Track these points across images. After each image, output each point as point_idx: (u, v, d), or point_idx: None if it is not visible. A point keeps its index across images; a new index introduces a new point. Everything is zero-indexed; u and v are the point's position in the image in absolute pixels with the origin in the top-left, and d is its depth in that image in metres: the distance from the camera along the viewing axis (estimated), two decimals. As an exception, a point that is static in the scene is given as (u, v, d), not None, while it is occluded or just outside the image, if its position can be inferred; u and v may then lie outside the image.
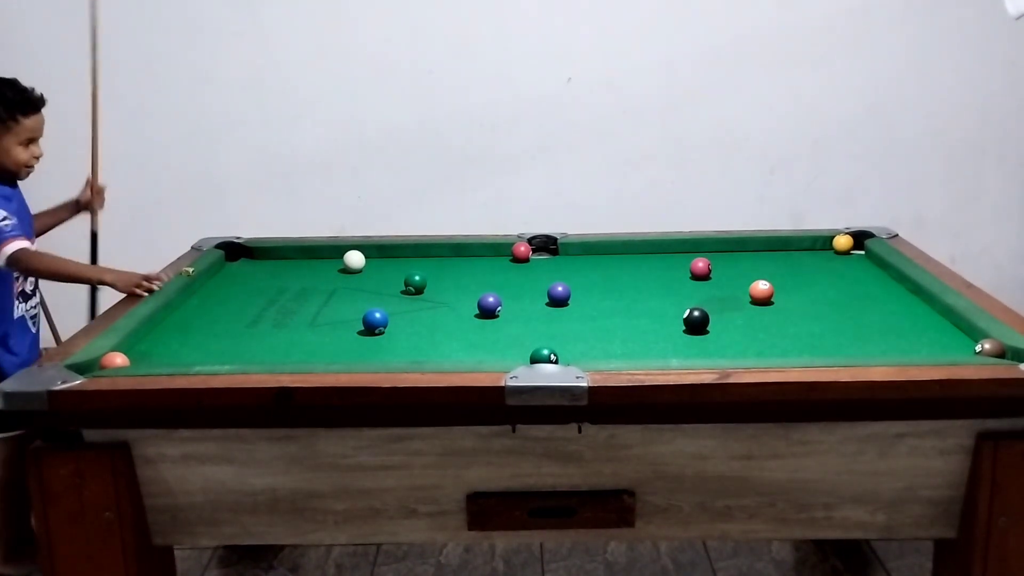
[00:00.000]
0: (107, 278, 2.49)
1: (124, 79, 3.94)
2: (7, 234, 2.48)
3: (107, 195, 2.93)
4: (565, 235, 2.91)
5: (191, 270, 2.57)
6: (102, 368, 1.92)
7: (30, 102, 2.54)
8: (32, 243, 2.59)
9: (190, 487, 1.88)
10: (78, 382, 1.81)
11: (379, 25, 3.90)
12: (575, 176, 4.04)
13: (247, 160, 4.03)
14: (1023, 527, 1.82)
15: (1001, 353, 1.89)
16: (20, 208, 2.62)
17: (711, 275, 2.58)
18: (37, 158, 2.59)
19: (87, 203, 2.91)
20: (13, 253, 2.46)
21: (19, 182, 2.64)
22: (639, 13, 3.92)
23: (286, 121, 3.99)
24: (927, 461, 1.84)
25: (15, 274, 2.57)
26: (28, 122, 2.54)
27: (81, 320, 2.33)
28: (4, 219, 2.49)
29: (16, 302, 2.61)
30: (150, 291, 2.38)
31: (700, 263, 2.60)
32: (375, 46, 3.91)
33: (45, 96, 2.58)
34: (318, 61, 3.92)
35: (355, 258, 2.73)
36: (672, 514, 1.90)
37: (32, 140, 2.57)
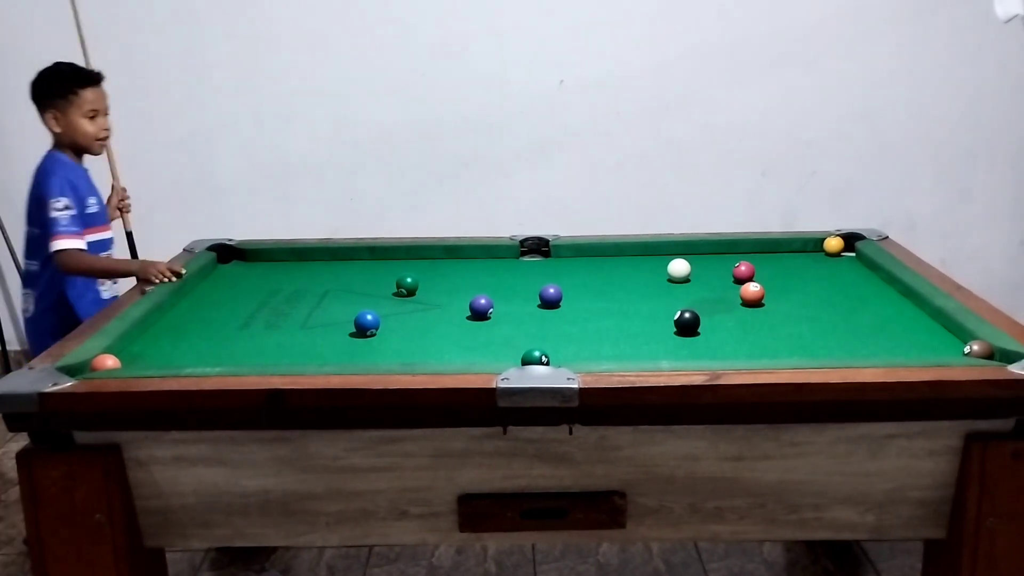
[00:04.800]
0: (133, 267, 2.67)
1: (116, 81, 3.93)
2: (60, 229, 2.63)
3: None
4: (557, 237, 2.92)
5: (182, 271, 2.57)
6: (93, 370, 1.92)
7: (84, 75, 2.74)
8: (82, 237, 2.69)
9: (182, 489, 1.88)
10: (69, 384, 1.81)
11: (372, 27, 3.90)
12: (567, 178, 4.05)
13: (239, 162, 4.02)
14: (1012, 528, 1.83)
15: (990, 354, 1.90)
16: (87, 190, 2.79)
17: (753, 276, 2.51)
18: (106, 130, 2.78)
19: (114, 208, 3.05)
20: (57, 252, 2.63)
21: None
22: (631, 16, 3.93)
23: (279, 123, 3.99)
24: (916, 462, 1.85)
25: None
26: (87, 94, 2.72)
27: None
28: (65, 208, 2.65)
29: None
30: (165, 279, 2.51)
31: (743, 267, 2.54)
32: (368, 48, 3.92)
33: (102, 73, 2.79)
34: (310, 63, 3.93)
35: (680, 266, 2.59)
36: (663, 515, 1.90)
37: (96, 113, 2.74)
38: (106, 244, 2.86)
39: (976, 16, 3.80)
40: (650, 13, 3.92)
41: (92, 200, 2.79)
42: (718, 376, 1.79)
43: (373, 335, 2.19)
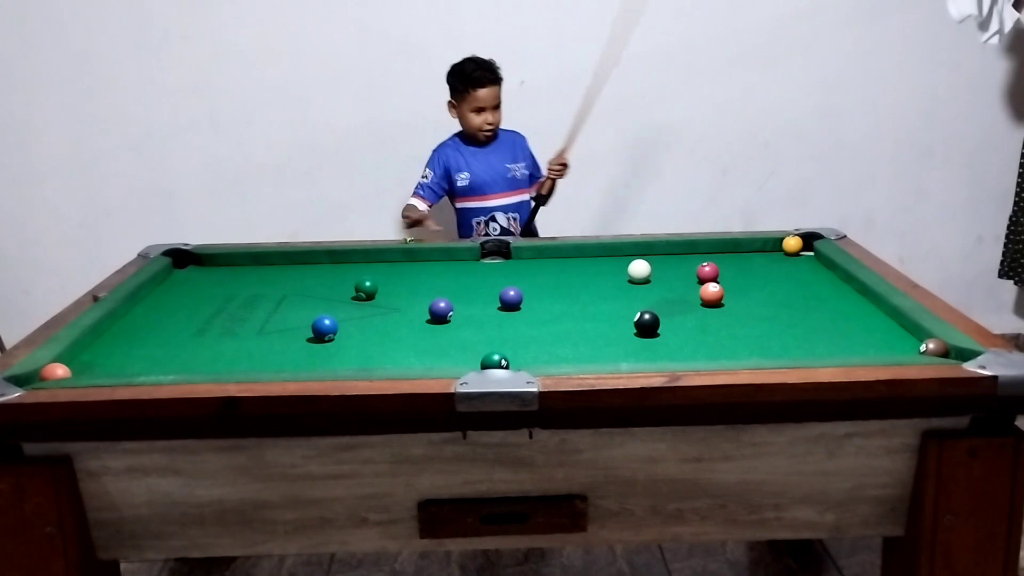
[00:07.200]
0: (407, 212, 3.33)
1: (69, 83, 3.87)
2: (415, 190, 3.33)
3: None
4: (517, 239, 2.91)
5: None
6: (43, 380, 1.88)
7: (477, 78, 3.24)
8: (423, 200, 3.32)
9: (135, 500, 1.84)
10: (17, 395, 1.77)
11: (329, 28, 3.87)
12: (528, 179, 4.03)
13: (195, 165, 3.97)
14: (968, 524, 1.84)
15: (945, 352, 1.92)
16: (461, 167, 3.35)
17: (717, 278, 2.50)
18: (490, 123, 3.31)
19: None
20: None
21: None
22: (591, 16, 3.92)
23: (235, 125, 3.94)
24: (874, 460, 1.86)
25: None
26: (478, 94, 3.25)
27: (24, 330, 2.28)
28: (423, 176, 3.34)
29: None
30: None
31: (707, 268, 2.54)
32: (325, 48, 3.88)
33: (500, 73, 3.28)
34: (267, 64, 3.88)
35: (641, 267, 2.59)
36: (624, 518, 1.90)
37: (482, 109, 3.28)
38: (481, 211, 3.35)
39: (931, 17, 3.85)
40: (609, 14, 3.92)
41: (463, 175, 3.32)
42: (677, 378, 1.79)
43: (331, 340, 2.16)
